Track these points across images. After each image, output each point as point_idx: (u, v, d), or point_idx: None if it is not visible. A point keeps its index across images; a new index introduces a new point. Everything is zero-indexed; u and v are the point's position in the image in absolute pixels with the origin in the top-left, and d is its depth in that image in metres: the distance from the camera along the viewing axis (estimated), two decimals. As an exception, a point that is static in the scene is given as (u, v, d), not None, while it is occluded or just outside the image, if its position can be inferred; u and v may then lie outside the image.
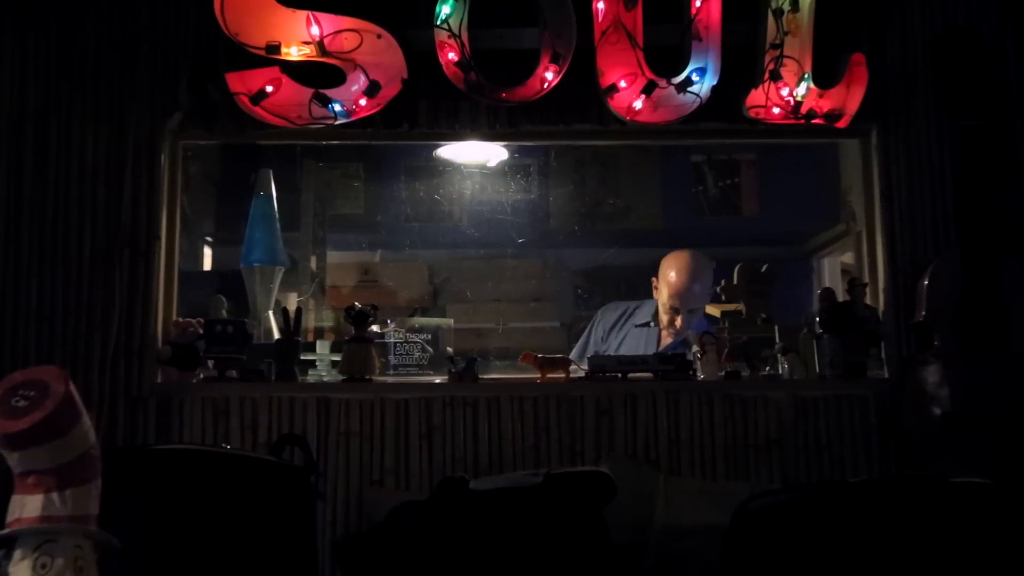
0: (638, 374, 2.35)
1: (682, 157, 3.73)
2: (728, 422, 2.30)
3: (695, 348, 2.41)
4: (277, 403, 2.28)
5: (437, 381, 2.42)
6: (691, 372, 2.35)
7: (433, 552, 1.78)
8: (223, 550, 1.77)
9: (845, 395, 2.33)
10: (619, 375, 2.34)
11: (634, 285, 3.32)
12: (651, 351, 2.85)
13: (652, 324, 3.01)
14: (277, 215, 2.70)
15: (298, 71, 2.30)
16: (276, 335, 2.53)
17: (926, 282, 2.31)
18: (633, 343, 2.98)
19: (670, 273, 2.93)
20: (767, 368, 2.44)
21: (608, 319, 3.10)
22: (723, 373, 2.37)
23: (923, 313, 2.29)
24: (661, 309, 2.95)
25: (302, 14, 2.25)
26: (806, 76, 2.35)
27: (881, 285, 2.43)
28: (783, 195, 3.56)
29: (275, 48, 2.25)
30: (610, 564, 1.82)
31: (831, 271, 3.37)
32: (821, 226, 3.29)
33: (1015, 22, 2.44)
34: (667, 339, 2.96)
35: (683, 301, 2.87)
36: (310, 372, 2.47)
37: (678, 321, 2.89)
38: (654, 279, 3.02)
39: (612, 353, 2.92)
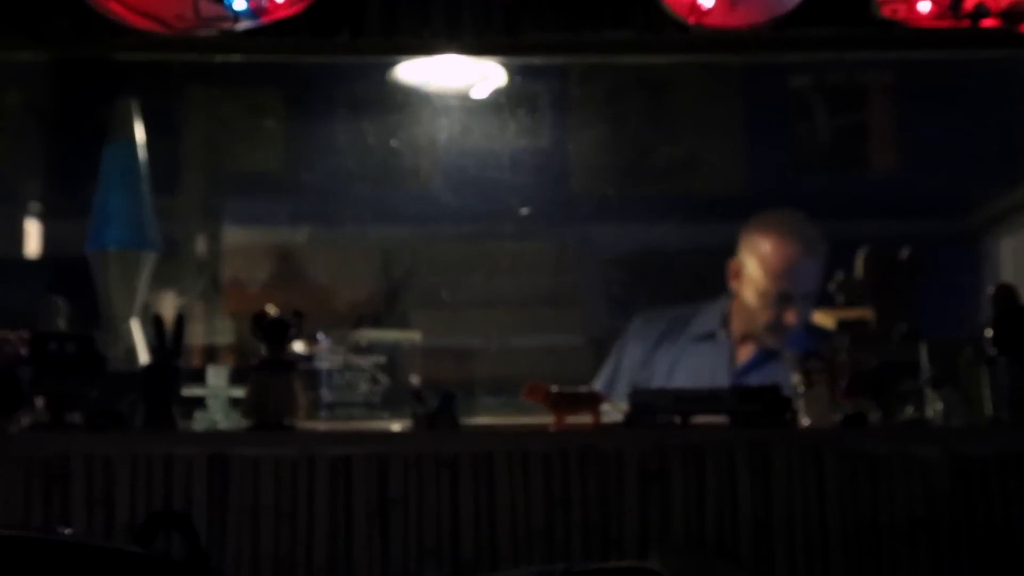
0: (706, 417, 2.35)
1: (777, 82, 3.74)
2: (847, 493, 2.31)
3: (795, 377, 2.42)
4: (146, 464, 2.29)
5: (396, 429, 2.43)
6: (789, 414, 2.36)
7: None
8: None
9: (1034, 451, 2.33)
10: (677, 418, 2.35)
11: (703, 279, 3.32)
12: (721, 378, 2.85)
13: (721, 334, 3.02)
14: (145, 172, 2.71)
15: (178, -55, 2.30)
16: (144, 358, 2.53)
17: None
18: (693, 367, 3.02)
19: (764, 244, 2.97)
20: (910, 409, 2.45)
21: (649, 333, 3.13)
22: (840, 416, 2.38)
23: None
24: (757, 303, 2.98)
25: None
26: (972, -49, 2.35)
27: (1091, 280, 2.44)
28: (936, 140, 3.57)
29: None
30: None
31: (1014, 258, 3.37)
32: (996, 188, 3.29)
33: None
34: (747, 354, 2.98)
35: (795, 281, 2.90)
36: (197, 415, 2.48)
37: (790, 316, 2.91)
38: (732, 261, 3.04)
39: (662, 385, 2.94)
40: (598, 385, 3.04)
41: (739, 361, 3.04)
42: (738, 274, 3.05)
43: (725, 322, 3.08)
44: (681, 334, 3.10)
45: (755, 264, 2.98)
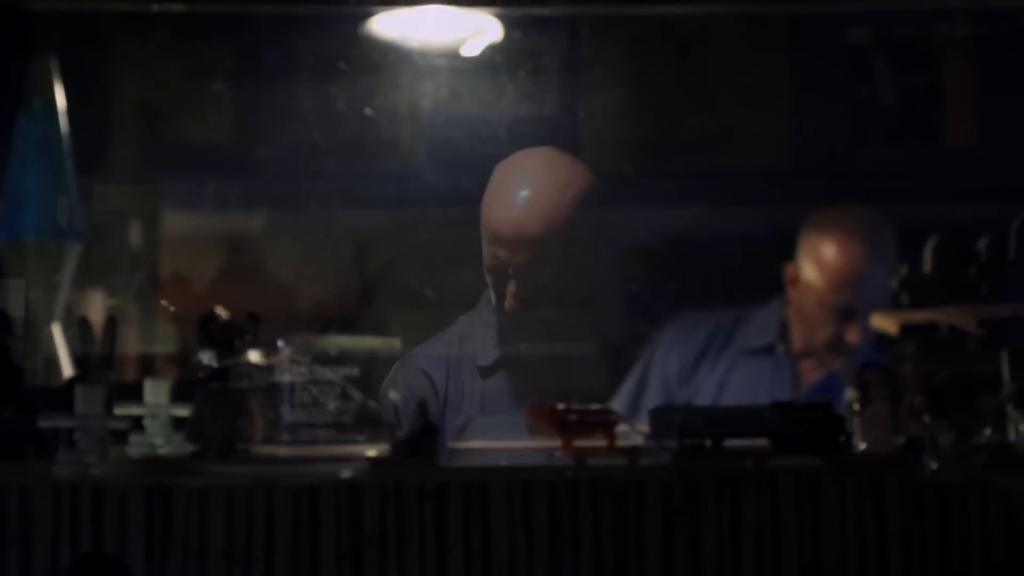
0: (742, 440, 2.39)
1: (830, 36, 3.76)
2: (913, 531, 2.34)
3: (850, 393, 2.45)
4: (71, 496, 2.32)
5: (371, 454, 2.47)
6: (843, 436, 2.40)
7: None
8: None
9: None
10: (707, 442, 2.38)
11: (742, 275, 3.35)
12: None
13: (780, 348, 3.06)
14: (67, 146, 2.74)
15: None
16: (69, 369, 2.56)
17: None
18: (747, 386, 3.06)
19: (825, 247, 3.03)
20: (987, 431, 2.48)
21: (690, 341, 3.18)
22: (904, 439, 2.41)
23: None
24: (816, 315, 3.04)
25: None
26: None
27: None
28: (1022, 105, 3.59)
29: None
30: None
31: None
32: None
33: None
34: (812, 374, 3.03)
35: (860, 293, 2.93)
36: (132, 439, 2.51)
37: (852, 333, 2.96)
38: (789, 267, 3.08)
39: (706, 404, 2.98)
40: (620, 403, 3.06)
41: (805, 382, 3.09)
42: (796, 281, 3.09)
43: (783, 334, 3.11)
44: (728, 345, 3.13)
45: (814, 270, 3.03)
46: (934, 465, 2.35)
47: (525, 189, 3.09)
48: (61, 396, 2.42)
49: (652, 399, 3.10)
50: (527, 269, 3.04)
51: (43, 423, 2.37)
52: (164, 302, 3.28)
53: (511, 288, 3.04)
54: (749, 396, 2.94)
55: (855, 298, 2.98)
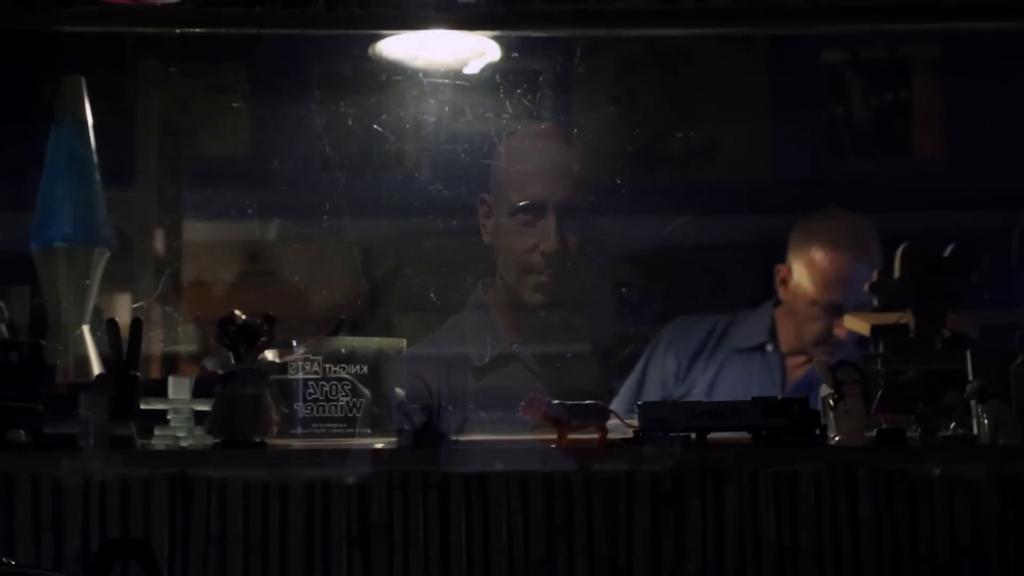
0: (725, 434, 2.40)
1: (808, 56, 3.77)
2: (884, 518, 2.36)
3: (824, 389, 2.47)
4: (99, 487, 2.34)
5: (379, 446, 2.48)
6: (818, 431, 2.41)
7: None
8: None
9: (1095, 472, 2.38)
10: (692, 435, 2.40)
11: (724, 281, 3.37)
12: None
13: (769, 347, 3.08)
14: (96, 160, 2.77)
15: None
16: (96, 368, 2.58)
17: None
18: (738, 382, 3.09)
19: (814, 248, 3.06)
20: (952, 425, 2.50)
21: (687, 341, 3.21)
22: (875, 432, 2.44)
23: None
24: (805, 314, 3.08)
25: None
26: None
27: None
28: (989, 121, 3.60)
29: None
30: None
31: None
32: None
33: None
34: (799, 371, 3.05)
35: (847, 291, 2.96)
36: (157, 432, 2.51)
37: (841, 329, 2.99)
38: (780, 267, 3.10)
39: (702, 400, 2.97)
40: (621, 400, 3.08)
41: (791, 378, 3.13)
42: (786, 281, 3.11)
43: (773, 333, 3.14)
44: (721, 345, 3.16)
45: (803, 271, 3.05)
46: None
47: (550, 145, 3.16)
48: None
49: (651, 396, 3.12)
50: (566, 203, 3.06)
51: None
52: (169, 309, 3.29)
53: (550, 224, 3.03)
54: (740, 392, 2.95)
55: (842, 295, 3.00)
